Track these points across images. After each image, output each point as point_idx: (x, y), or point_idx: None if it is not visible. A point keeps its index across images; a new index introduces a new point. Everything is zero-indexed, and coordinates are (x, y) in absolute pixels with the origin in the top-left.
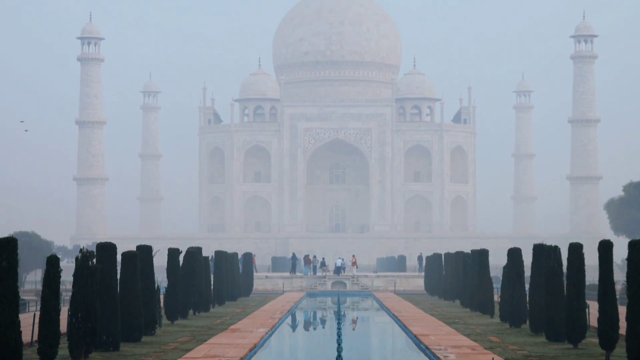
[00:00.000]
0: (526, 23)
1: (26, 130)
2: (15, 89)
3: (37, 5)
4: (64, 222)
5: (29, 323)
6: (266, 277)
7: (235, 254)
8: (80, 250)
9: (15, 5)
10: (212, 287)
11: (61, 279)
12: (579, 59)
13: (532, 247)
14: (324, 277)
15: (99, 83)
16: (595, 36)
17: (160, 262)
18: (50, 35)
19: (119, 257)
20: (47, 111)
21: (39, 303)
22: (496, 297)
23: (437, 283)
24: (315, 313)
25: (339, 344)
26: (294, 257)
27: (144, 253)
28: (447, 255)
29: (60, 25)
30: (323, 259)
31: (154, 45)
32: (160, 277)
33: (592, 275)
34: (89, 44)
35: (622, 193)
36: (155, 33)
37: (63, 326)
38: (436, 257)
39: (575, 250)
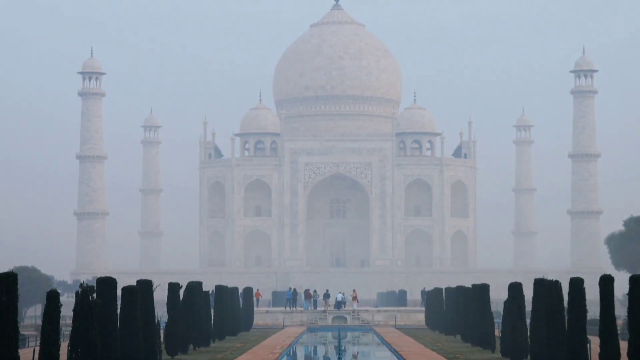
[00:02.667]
0: (526, 58)
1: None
2: (16, 123)
3: (39, 40)
4: (64, 256)
5: (28, 358)
6: (267, 311)
7: (236, 289)
8: (81, 285)
9: (17, 40)
10: (212, 321)
11: (61, 314)
12: (579, 93)
13: (533, 281)
14: (325, 311)
15: (100, 117)
16: (595, 71)
17: (160, 296)
18: (51, 69)
19: (119, 292)
20: (47, 145)
21: (38, 338)
22: (497, 332)
23: (438, 318)
24: (315, 348)
25: None
26: (294, 291)
27: (144, 288)
28: (448, 289)
29: (61, 60)
30: (327, 290)
31: (155, 79)
32: (161, 312)
33: (593, 310)
34: (90, 78)
35: (622, 228)
36: (156, 68)
37: None
38: (437, 291)
39: (576, 285)
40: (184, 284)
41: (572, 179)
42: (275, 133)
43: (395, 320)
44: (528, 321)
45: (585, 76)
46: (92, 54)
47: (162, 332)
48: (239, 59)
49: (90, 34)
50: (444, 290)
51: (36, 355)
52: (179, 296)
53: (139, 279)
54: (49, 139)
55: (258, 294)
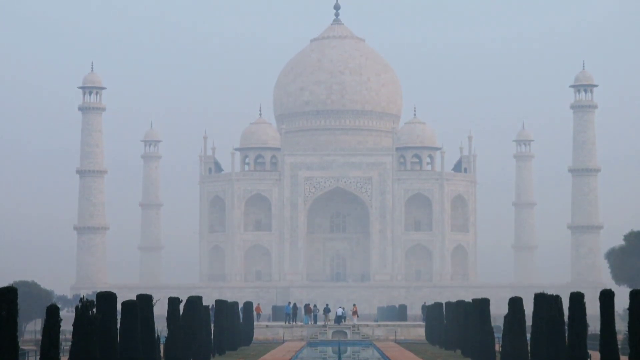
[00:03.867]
0: (526, 72)
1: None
2: (17, 138)
3: (39, 55)
4: (64, 271)
5: None
6: (267, 326)
7: (236, 303)
8: (80, 300)
9: (18, 54)
10: (212, 336)
11: (61, 329)
12: (579, 108)
13: (533, 296)
14: (325, 326)
15: (100, 132)
16: (595, 86)
17: (160, 311)
18: (52, 84)
19: (119, 307)
20: (47, 160)
21: (38, 353)
22: (497, 347)
23: (438, 332)
24: None
25: None
26: (294, 306)
27: (144, 302)
28: (448, 304)
29: (62, 74)
30: (327, 305)
31: (155, 94)
32: (161, 327)
33: (593, 324)
34: (90, 93)
35: (623, 242)
36: (156, 82)
37: None
38: (437, 306)
39: (577, 299)
40: (184, 298)
41: (572, 193)
42: (275, 147)
43: (396, 335)
44: (528, 336)
45: (585, 91)
46: (92, 68)
47: (162, 346)
48: (239, 74)
49: (90, 49)
50: (444, 305)
51: None
52: (179, 311)
53: (139, 293)
54: (49, 153)
55: (258, 309)
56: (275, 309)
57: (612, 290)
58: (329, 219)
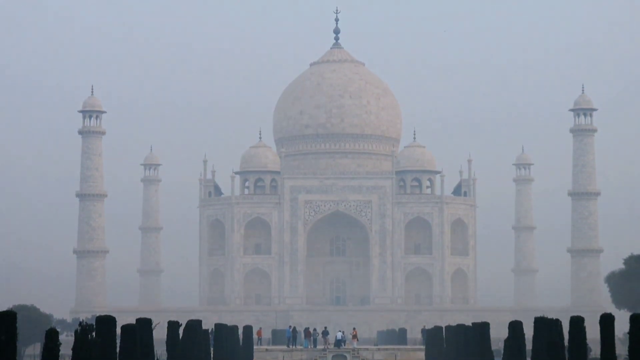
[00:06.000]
0: (526, 96)
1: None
2: (17, 161)
3: (40, 79)
4: (63, 295)
5: None
6: (266, 350)
7: (236, 327)
8: (80, 324)
9: (18, 78)
10: None
11: (60, 353)
12: (578, 132)
13: (533, 320)
14: (325, 350)
15: (100, 156)
16: (595, 109)
17: (160, 335)
18: (52, 108)
19: (118, 330)
20: (47, 183)
21: None
22: None
23: (439, 356)
24: None
25: None
26: (294, 330)
27: (144, 326)
28: (448, 328)
29: (62, 98)
30: (325, 328)
31: (155, 118)
32: (160, 351)
33: (594, 348)
34: (90, 117)
35: (623, 266)
36: (156, 106)
37: None
38: (437, 330)
39: (577, 323)
40: (183, 322)
41: (572, 217)
42: (275, 171)
43: (396, 359)
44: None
45: (585, 114)
46: (92, 92)
47: None
48: (239, 97)
49: (90, 73)
50: (444, 329)
51: None
52: (178, 334)
53: (138, 317)
54: (49, 177)
55: (259, 333)
56: (275, 332)
57: (613, 314)
58: (328, 243)
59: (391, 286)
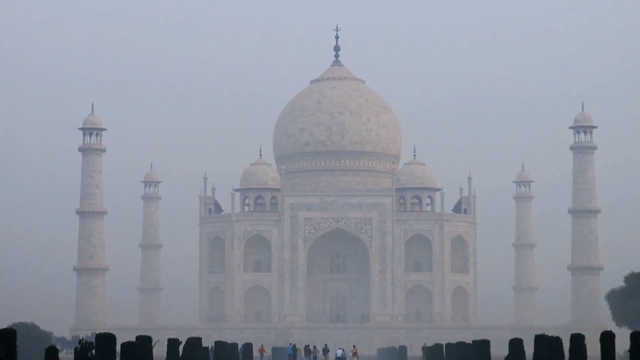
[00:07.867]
0: (526, 113)
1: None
2: (16, 179)
3: (40, 97)
4: (63, 312)
5: None
6: None
7: (236, 345)
8: (80, 341)
9: (18, 96)
10: None
11: None
12: (578, 149)
13: (533, 337)
14: None
15: (100, 173)
16: (595, 127)
17: (160, 352)
18: (52, 125)
19: (118, 348)
20: (47, 201)
21: None
22: None
23: None
24: None
25: None
26: (294, 347)
27: (144, 344)
28: (449, 345)
29: (62, 116)
30: (325, 345)
31: (155, 135)
32: None
33: None
34: (90, 134)
35: (623, 284)
36: (156, 124)
37: None
38: (437, 347)
39: (577, 341)
40: (183, 339)
41: (572, 234)
42: (275, 188)
43: None
44: None
45: (585, 132)
46: (92, 110)
47: None
48: (239, 115)
49: (91, 90)
50: (444, 346)
51: None
52: (178, 352)
53: (138, 334)
54: (49, 195)
55: (262, 350)
56: (275, 350)
57: (613, 331)
58: (328, 260)
59: (391, 303)
